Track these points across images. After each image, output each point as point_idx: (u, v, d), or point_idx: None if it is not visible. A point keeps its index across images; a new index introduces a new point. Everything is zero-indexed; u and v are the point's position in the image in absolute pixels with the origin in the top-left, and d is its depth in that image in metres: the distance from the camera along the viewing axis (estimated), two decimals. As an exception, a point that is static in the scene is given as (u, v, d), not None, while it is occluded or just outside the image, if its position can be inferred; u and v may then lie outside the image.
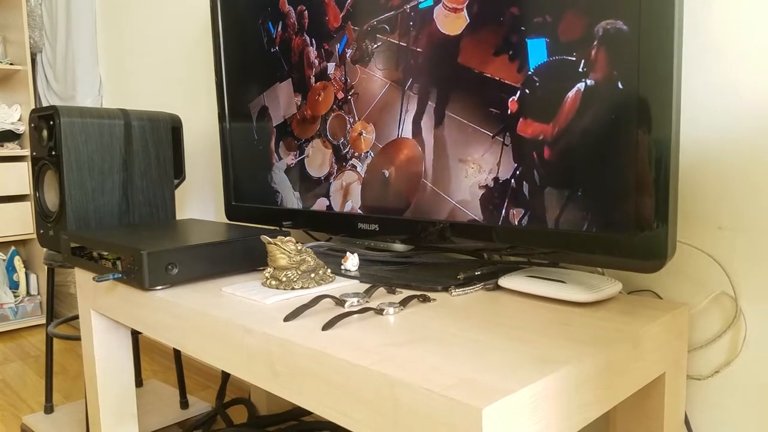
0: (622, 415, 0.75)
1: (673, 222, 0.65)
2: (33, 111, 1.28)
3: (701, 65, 0.75)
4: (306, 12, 1.05)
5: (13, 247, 2.42)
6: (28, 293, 2.42)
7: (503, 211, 0.80)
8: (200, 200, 1.77)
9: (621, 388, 0.61)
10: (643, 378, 0.65)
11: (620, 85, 0.67)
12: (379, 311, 0.71)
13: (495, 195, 0.81)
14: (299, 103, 1.08)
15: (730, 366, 0.76)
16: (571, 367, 0.54)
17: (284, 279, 0.84)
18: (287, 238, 0.85)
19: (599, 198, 0.70)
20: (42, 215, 1.31)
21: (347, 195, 1.02)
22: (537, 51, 0.74)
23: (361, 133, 0.98)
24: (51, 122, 1.22)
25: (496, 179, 0.81)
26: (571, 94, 0.72)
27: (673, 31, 0.63)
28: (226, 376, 1.43)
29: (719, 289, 0.76)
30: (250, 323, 0.69)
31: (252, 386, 1.45)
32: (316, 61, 1.04)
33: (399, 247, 1.00)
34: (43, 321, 2.40)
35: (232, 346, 0.71)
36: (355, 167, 1.00)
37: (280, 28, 1.10)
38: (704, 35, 0.75)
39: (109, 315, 1.02)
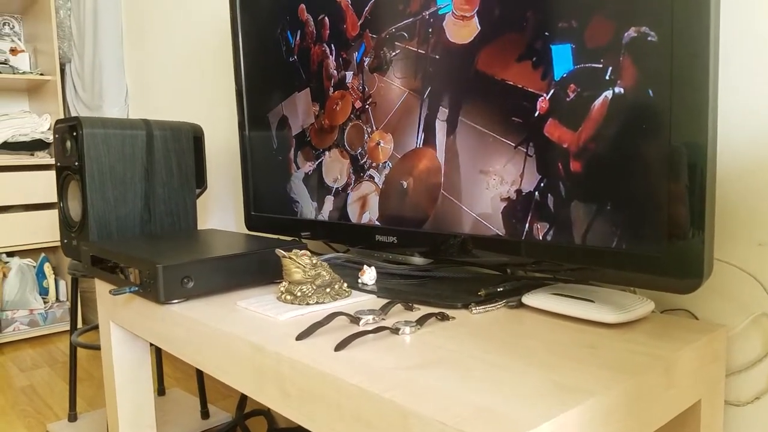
0: (653, 443, 0.70)
1: (709, 238, 0.61)
2: (57, 122, 1.29)
3: (743, 69, 0.71)
4: (324, 20, 1.03)
5: (43, 254, 2.46)
6: (57, 299, 2.46)
7: (527, 224, 0.77)
8: (222, 210, 1.77)
9: (652, 419, 0.57)
10: (676, 407, 0.61)
11: (651, 93, 0.63)
12: (395, 330, 0.68)
13: (518, 208, 0.77)
14: (317, 113, 1.06)
15: (773, 392, 0.71)
16: (598, 398, 0.50)
17: (299, 294, 0.82)
18: (302, 251, 0.83)
19: (629, 212, 0.66)
20: (66, 225, 1.32)
21: (365, 206, 1.00)
22: (562, 58, 0.71)
23: (378, 143, 0.96)
24: (74, 133, 1.23)
25: (518, 191, 0.77)
26: (598, 102, 0.68)
27: (708, 33, 0.58)
28: (246, 387, 1.42)
29: (760, 310, 0.71)
30: (261, 341, 0.67)
31: (272, 398, 1.43)
32: (334, 70, 1.02)
33: (418, 260, 0.97)
34: (72, 327, 2.43)
35: (243, 363, 0.69)
36: (373, 178, 0.97)
37: (298, 37, 1.09)
38: (748, 35, 0.70)
39: (127, 327, 1.01)
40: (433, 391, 0.51)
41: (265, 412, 1.43)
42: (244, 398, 1.40)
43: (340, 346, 0.64)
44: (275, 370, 0.64)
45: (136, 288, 0.90)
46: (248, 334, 0.70)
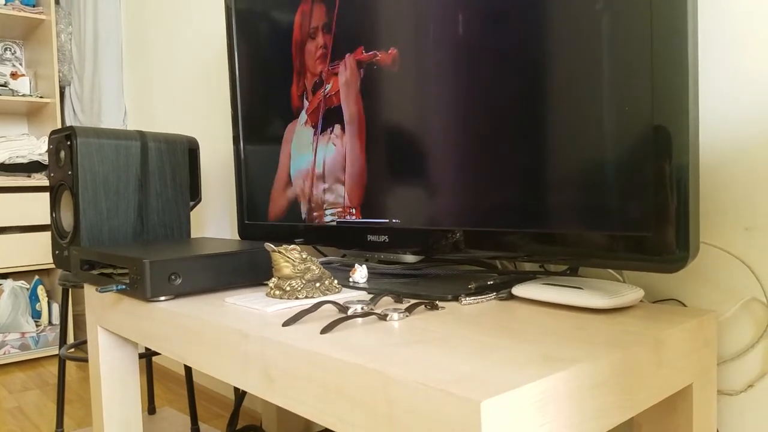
0: (647, 430, 0.69)
1: (694, 218, 0.61)
2: (52, 132, 1.30)
3: (726, 56, 0.72)
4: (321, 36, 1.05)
5: (36, 277, 2.45)
6: (50, 323, 2.43)
7: (518, 216, 0.77)
8: (216, 223, 1.77)
9: (642, 396, 0.56)
10: (667, 387, 0.60)
11: (632, 76, 0.64)
12: (383, 316, 0.68)
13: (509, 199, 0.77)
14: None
15: (765, 379, 0.69)
16: (584, 366, 0.49)
17: (288, 288, 0.81)
18: (291, 246, 0.83)
19: (615, 196, 0.66)
20: (58, 236, 1.31)
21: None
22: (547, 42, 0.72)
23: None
24: (68, 142, 1.24)
25: (510, 182, 0.77)
26: (583, 87, 0.69)
27: (686, 15, 0.60)
28: (238, 404, 1.39)
29: (749, 295, 0.70)
30: (247, 328, 0.66)
31: (263, 413, 1.40)
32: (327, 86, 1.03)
33: (410, 258, 0.97)
34: (64, 350, 2.39)
35: (229, 352, 0.68)
36: (365, 178, 0.98)
37: (292, 53, 1.11)
38: (730, 24, 0.72)
39: (114, 330, 1.00)
40: (416, 361, 0.50)
41: (257, 428, 1.40)
42: (236, 414, 1.38)
43: (326, 329, 0.63)
44: (260, 356, 0.63)
45: (123, 286, 0.90)
46: (234, 323, 0.69)
